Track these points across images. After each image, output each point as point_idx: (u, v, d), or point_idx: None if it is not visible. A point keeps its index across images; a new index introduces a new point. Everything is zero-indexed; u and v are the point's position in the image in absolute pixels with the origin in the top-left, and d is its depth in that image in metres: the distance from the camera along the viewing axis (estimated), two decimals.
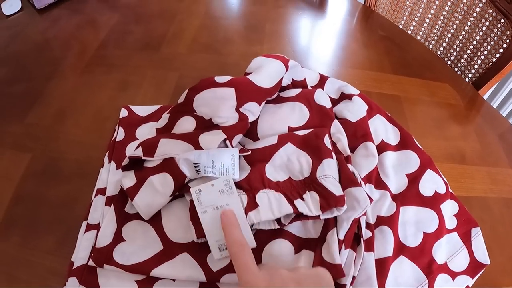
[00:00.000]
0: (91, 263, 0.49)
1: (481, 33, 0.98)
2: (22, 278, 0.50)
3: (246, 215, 0.49)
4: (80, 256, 0.50)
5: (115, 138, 0.64)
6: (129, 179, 0.54)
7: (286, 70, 0.66)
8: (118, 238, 0.51)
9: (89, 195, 0.58)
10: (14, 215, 0.56)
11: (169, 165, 0.53)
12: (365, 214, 0.53)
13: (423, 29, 1.11)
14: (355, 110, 0.66)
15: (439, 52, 1.09)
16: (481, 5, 0.95)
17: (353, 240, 0.51)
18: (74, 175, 0.61)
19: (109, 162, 0.61)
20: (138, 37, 0.89)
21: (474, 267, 0.54)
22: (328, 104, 0.66)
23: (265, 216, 0.49)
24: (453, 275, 0.53)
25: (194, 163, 0.53)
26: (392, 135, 0.65)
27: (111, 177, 0.58)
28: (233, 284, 0.49)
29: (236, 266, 0.41)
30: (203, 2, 1.04)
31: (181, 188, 0.53)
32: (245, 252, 0.42)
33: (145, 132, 0.65)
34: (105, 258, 0.49)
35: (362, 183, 0.55)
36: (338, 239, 0.49)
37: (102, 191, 0.57)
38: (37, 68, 0.81)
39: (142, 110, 0.69)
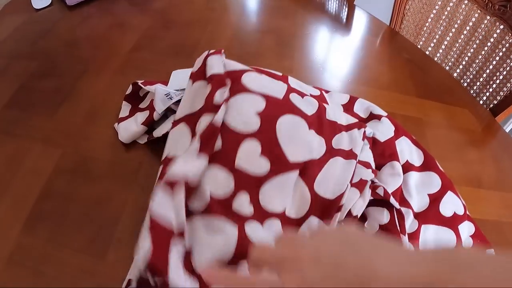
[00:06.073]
0: None
1: (497, 58, 1.00)
2: (50, 274, 0.50)
3: None
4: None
5: None
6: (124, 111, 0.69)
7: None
8: None
9: (121, 196, 0.58)
10: (42, 210, 0.56)
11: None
12: None
13: (440, 50, 1.15)
14: (384, 130, 0.69)
15: (455, 74, 1.12)
16: (498, 31, 0.98)
17: None
18: (106, 175, 0.61)
19: None
20: (170, 43, 0.90)
21: None
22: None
23: None
24: None
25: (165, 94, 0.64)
26: (416, 157, 0.68)
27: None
28: None
29: None
30: (234, 13, 1.06)
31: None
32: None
33: None
34: None
35: (392, 197, 0.57)
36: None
37: None
38: (68, 65, 0.82)
39: None
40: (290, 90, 0.63)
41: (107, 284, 0.50)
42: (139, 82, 0.71)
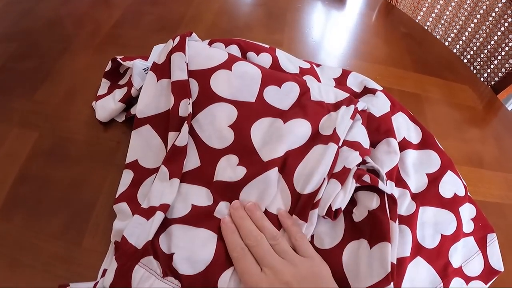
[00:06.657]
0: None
1: (499, 33, 0.97)
2: (25, 262, 0.48)
3: None
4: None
5: None
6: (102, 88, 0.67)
7: None
8: None
9: (98, 178, 0.56)
10: (18, 195, 0.54)
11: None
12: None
13: (439, 25, 1.10)
14: (380, 105, 0.65)
15: (455, 50, 1.08)
16: (500, 4, 0.94)
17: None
18: (83, 157, 0.59)
19: None
20: (154, 19, 0.86)
21: (488, 273, 0.54)
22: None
23: None
24: (467, 279, 0.52)
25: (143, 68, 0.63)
26: (413, 134, 0.64)
27: None
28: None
29: (239, 271, 0.45)
30: None
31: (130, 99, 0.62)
32: (246, 256, 0.46)
33: None
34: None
35: (380, 182, 0.53)
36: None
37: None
38: (49, 45, 0.78)
39: None
40: (266, 81, 0.60)
41: (83, 272, 0.48)
42: (118, 58, 0.67)
